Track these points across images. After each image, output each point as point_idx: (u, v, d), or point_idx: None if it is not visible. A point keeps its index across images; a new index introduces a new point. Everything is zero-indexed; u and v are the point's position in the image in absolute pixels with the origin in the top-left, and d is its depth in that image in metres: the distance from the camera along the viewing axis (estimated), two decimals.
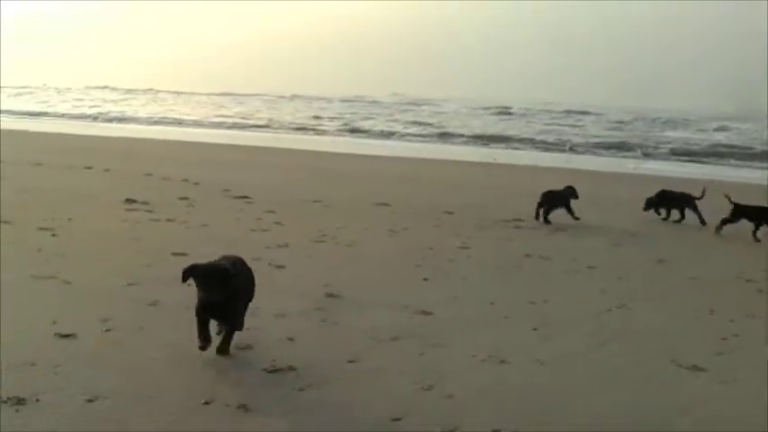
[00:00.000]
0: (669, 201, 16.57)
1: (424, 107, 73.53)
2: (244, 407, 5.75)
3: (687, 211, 16.34)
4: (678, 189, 16.82)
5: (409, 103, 77.05)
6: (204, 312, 6.63)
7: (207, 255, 10.47)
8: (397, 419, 5.73)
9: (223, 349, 6.70)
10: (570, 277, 10.80)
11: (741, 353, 7.79)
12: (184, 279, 6.68)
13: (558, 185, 15.94)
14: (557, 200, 15.49)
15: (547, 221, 15.25)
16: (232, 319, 6.82)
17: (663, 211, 16.55)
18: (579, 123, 57.94)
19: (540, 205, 15.37)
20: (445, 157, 30.82)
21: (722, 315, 9.14)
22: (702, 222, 16.02)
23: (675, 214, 16.46)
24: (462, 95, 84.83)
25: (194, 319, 7.31)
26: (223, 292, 6.50)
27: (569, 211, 15.43)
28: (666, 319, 8.97)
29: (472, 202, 17.15)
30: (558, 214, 15.35)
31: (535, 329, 8.16)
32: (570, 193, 15.62)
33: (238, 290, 6.82)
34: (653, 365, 7.31)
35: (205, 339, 6.61)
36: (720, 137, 47.86)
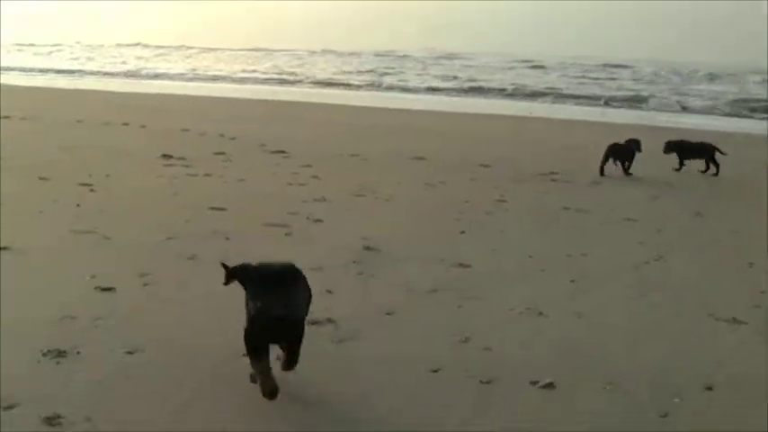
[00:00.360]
0: (689, 152, 16.39)
1: (455, 61, 73.11)
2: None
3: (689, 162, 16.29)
4: (716, 144, 16.57)
5: (441, 57, 76.65)
6: (262, 335, 4.83)
7: (245, 210, 10.64)
8: (435, 371, 5.74)
9: (290, 361, 4.99)
10: (608, 230, 10.76)
11: None
12: (230, 279, 5.15)
13: (593, 139, 15.87)
14: (622, 153, 15.48)
15: (628, 173, 15.44)
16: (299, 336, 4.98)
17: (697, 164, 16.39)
18: (614, 77, 57.42)
19: (605, 159, 15.36)
20: (479, 110, 30.66)
21: (761, 268, 9.04)
22: (713, 172, 16.08)
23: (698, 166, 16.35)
24: (494, 49, 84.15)
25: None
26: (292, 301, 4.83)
27: (629, 164, 15.42)
28: (704, 271, 8.92)
29: (507, 155, 17.07)
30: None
31: (573, 282, 8.14)
32: (636, 146, 15.59)
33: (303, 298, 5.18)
34: (691, 318, 7.27)
35: (267, 374, 4.84)
36: (761, 90, 47.19)
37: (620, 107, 38.28)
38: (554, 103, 39.86)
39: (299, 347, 4.97)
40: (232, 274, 5.13)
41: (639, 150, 15.52)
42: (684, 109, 38.16)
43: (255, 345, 4.82)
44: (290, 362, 4.98)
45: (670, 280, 8.47)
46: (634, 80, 54.95)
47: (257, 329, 4.78)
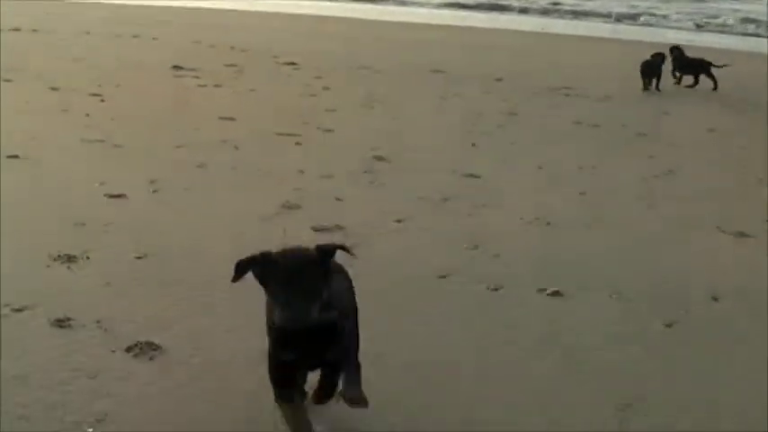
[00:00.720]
0: (685, 67, 16.24)
1: None
2: None
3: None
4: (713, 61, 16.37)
5: None
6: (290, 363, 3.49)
7: (255, 120, 10.61)
8: (443, 276, 5.77)
9: (324, 394, 3.65)
10: (619, 144, 10.72)
11: None
12: (239, 273, 3.38)
13: (606, 56, 15.78)
14: (654, 68, 15.44)
15: (647, 89, 15.40)
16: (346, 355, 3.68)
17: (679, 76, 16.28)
18: None
19: (644, 75, 15.38)
20: (492, 25, 30.40)
21: None
22: (714, 86, 15.91)
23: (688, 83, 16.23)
24: None
25: (244, 183, 7.35)
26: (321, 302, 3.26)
27: (658, 79, 15.38)
28: (715, 186, 8.92)
29: (521, 69, 16.96)
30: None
31: (582, 194, 8.15)
32: (662, 60, 15.58)
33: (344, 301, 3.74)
34: (699, 231, 7.28)
35: (297, 414, 3.54)
36: None
37: (631, 24, 37.92)
38: (563, 19, 39.47)
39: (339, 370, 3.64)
40: (241, 268, 3.40)
41: (663, 64, 15.49)
42: (699, 27, 37.75)
43: (281, 374, 3.52)
44: (326, 392, 3.65)
45: (680, 193, 8.47)
46: None
47: (282, 346, 3.43)
